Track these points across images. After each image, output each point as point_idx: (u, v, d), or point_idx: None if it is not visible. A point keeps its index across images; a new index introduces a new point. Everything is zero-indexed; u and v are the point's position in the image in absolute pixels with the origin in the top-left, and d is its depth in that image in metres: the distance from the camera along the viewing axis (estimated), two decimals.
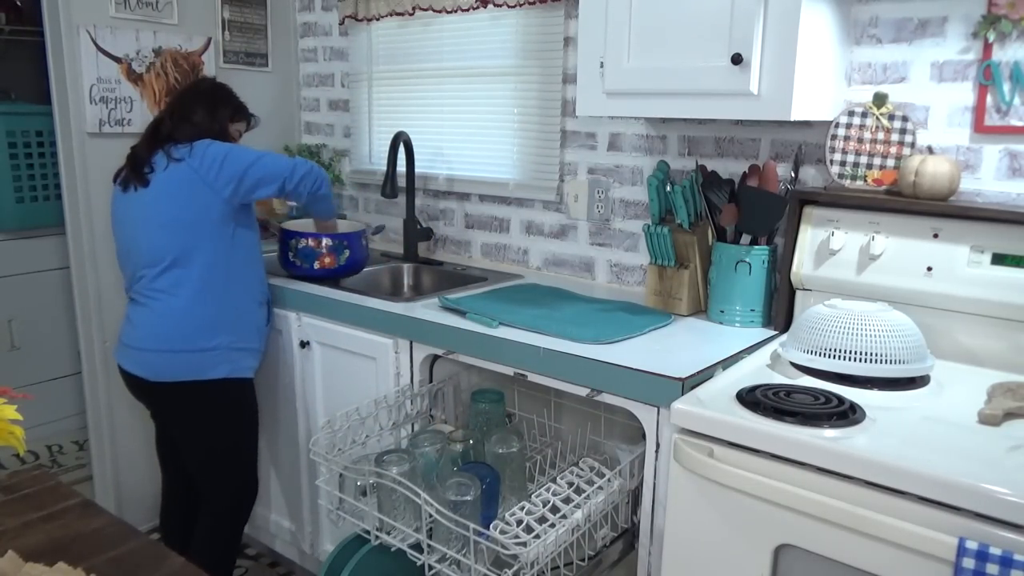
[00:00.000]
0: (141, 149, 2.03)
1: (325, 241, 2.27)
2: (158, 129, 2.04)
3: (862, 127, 1.75)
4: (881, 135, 1.74)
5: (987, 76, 1.63)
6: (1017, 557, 1.01)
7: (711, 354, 1.62)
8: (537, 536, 1.40)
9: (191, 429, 2.09)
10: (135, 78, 2.50)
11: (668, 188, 1.93)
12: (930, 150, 1.72)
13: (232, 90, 2.19)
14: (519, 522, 1.41)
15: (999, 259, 1.54)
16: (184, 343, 1.97)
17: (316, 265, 2.29)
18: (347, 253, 2.29)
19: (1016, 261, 1.51)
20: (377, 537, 1.64)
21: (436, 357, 1.93)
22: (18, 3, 3.16)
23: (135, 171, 2.00)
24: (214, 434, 2.08)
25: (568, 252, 2.41)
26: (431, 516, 1.49)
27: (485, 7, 2.37)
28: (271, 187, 2.03)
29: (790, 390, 1.38)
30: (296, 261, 2.30)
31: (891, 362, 1.43)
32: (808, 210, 1.77)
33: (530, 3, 2.30)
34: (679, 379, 1.47)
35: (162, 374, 1.99)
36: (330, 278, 2.29)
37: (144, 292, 1.99)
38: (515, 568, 1.40)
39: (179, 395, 2.01)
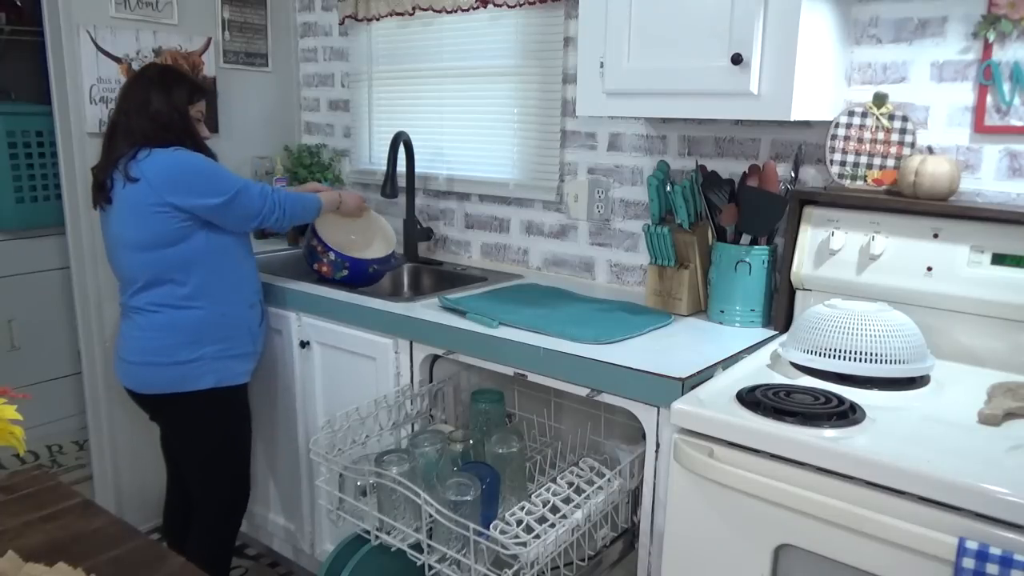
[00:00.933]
0: (100, 165, 1.94)
1: (331, 254, 2.28)
2: (114, 135, 1.92)
3: (862, 127, 1.75)
4: (881, 135, 1.74)
5: (987, 76, 1.63)
6: (1017, 557, 1.01)
7: (711, 354, 1.62)
8: (537, 536, 1.40)
9: (181, 437, 2.09)
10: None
11: (668, 188, 1.93)
12: (930, 150, 1.72)
13: (182, 71, 2.07)
14: (519, 522, 1.41)
15: (999, 259, 1.54)
16: (166, 356, 1.94)
17: (315, 266, 2.31)
18: (345, 272, 2.30)
19: (1016, 261, 1.51)
20: (377, 537, 1.64)
21: (436, 357, 1.93)
22: (18, 3, 3.15)
23: (98, 189, 1.93)
24: (203, 443, 2.07)
25: (568, 252, 2.41)
26: (431, 516, 1.49)
27: (485, 7, 2.37)
28: (251, 223, 1.98)
29: (790, 390, 1.38)
30: (305, 254, 2.35)
31: (891, 362, 1.43)
32: (808, 210, 1.77)
33: (530, 3, 2.30)
34: (679, 379, 1.47)
35: (148, 386, 1.98)
36: (334, 281, 2.30)
37: (128, 306, 1.99)
38: (515, 568, 1.40)
39: (168, 406, 2.01)
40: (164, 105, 1.92)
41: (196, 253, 1.93)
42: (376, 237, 2.49)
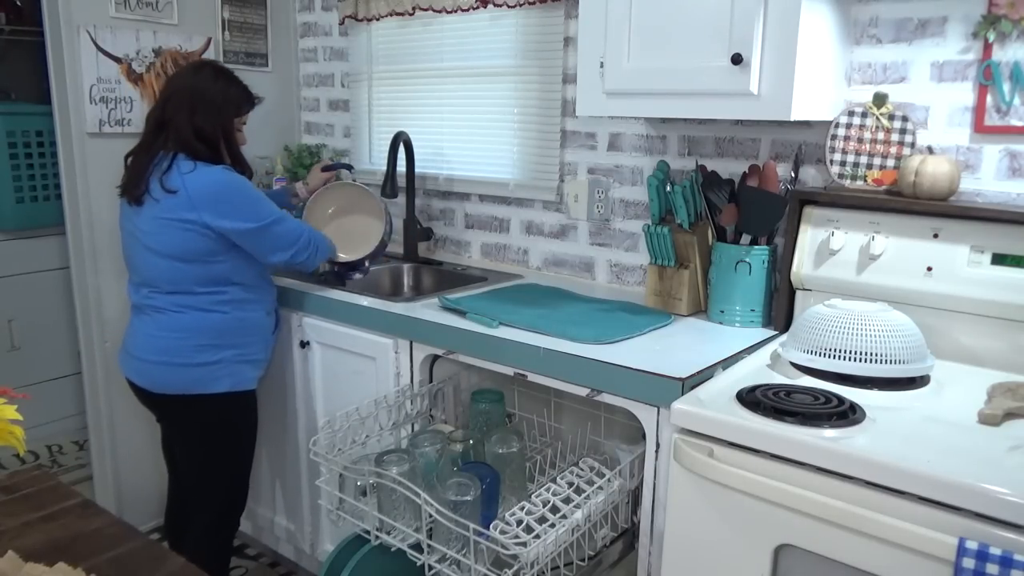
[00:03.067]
0: (141, 157, 1.92)
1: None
2: (158, 130, 1.91)
3: (862, 127, 1.75)
4: (881, 135, 1.74)
5: (987, 76, 1.63)
6: (1017, 557, 1.01)
7: (711, 354, 1.62)
8: (537, 536, 1.40)
9: (189, 440, 2.08)
10: (135, 78, 2.50)
11: (668, 188, 1.93)
12: (930, 150, 1.72)
13: (234, 74, 2.02)
14: (519, 522, 1.41)
15: (999, 259, 1.54)
16: (186, 357, 1.94)
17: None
18: (327, 266, 2.33)
19: (1016, 261, 1.51)
20: (377, 537, 1.64)
21: (436, 357, 1.93)
22: (18, 3, 3.15)
23: (132, 184, 1.92)
24: (210, 447, 2.06)
25: (568, 252, 2.41)
26: (431, 516, 1.49)
27: (485, 7, 2.37)
28: (281, 256, 1.96)
29: (790, 390, 1.38)
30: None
31: (891, 362, 1.43)
32: (808, 210, 1.77)
33: (530, 3, 2.30)
34: (679, 379, 1.47)
35: (163, 386, 1.97)
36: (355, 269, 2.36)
37: (147, 304, 1.97)
38: (515, 568, 1.40)
39: (179, 407, 2.00)
40: (212, 112, 1.92)
41: (225, 271, 1.94)
42: (368, 233, 2.42)
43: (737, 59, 1.58)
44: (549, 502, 1.48)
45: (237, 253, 1.95)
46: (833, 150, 1.78)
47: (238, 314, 1.99)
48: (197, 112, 1.91)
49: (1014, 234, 1.52)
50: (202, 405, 1.99)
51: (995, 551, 1.02)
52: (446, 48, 2.58)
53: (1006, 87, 1.61)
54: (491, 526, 1.41)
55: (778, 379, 1.48)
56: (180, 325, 1.94)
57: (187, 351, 1.94)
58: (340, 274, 2.36)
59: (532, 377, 1.71)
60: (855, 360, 1.44)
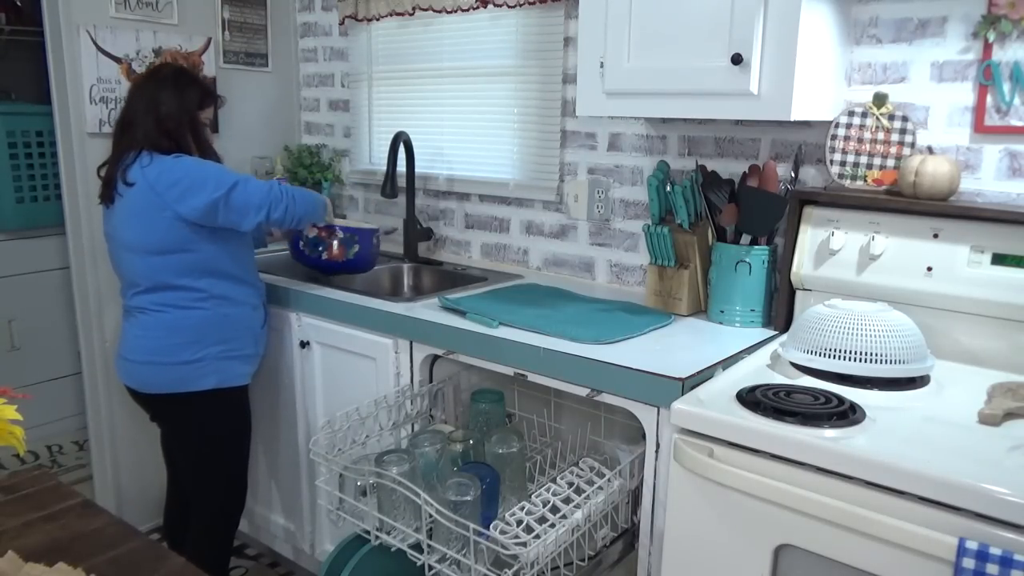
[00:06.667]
0: (108, 162, 1.95)
1: (337, 232, 2.25)
2: (122, 132, 1.93)
3: (862, 127, 1.75)
4: (881, 135, 1.74)
5: (987, 76, 1.63)
6: (1017, 557, 1.01)
7: (711, 354, 1.62)
8: (537, 536, 1.40)
9: (183, 438, 2.09)
10: (135, 78, 2.50)
11: (668, 188, 1.93)
12: (930, 150, 1.72)
13: (195, 74, 2.05)
14: (519, 522, 1.41)
15: (999, 259, 1.54)
16: (170, 356, 1.94)
17: (324, 256, 2.27)
18: (356, 248, 2.27)
19: (1016, 261, 1.51)
20: (377, 537, 1.64)
21: (436, 357, 1.93)
22: (18, 3, 3.15)
23: (104, 185, 1.94)
24: (203, 443, 2.07)
25: (568, 252, 2.41)
26: (431, 516, 1.49)
27: (485, 7, 2.37)
28: (257, 215, 1.91)
29: (790, 390, 1.38)
30: (305, 250, 2.28)
31: (891, 362, 1.43)
32: (808, 210, 1.77)
33: (530, 3, 2.30)
34: (679, 379, 1.47)
35: (151, 385, 1.98)
36: (335, 272, 2.29)
37: (131, 305, 1.98)
38: (515, 568, 1.40)
39: (168, 406, 2.01)
40: (173, 108, 1.92)
41: (202, 261, 1.93)
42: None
43: (737, 59, 1.58)
44: (549, 502, 1.48)
45: (211, 239, 1.93)
46: (833, 150, 1.78)
47: (221, 310, 1.98)
48: (160, 106, 1.91)
49: (1014, 234, 1.52)
50: (190, 403, 1.99)
51: (995, 551, 1.02)
52: (446, 48, 2.58)
53: (1006, 87, 1.61)
54: (491, 526, 1.41)
55: (778, 379, 1.48)
56: (162, 324, 1.94)
57: (170, 349, 1.94)
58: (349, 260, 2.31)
59: (532, 377, 1.71)
60: (855, 360, 1.44)
